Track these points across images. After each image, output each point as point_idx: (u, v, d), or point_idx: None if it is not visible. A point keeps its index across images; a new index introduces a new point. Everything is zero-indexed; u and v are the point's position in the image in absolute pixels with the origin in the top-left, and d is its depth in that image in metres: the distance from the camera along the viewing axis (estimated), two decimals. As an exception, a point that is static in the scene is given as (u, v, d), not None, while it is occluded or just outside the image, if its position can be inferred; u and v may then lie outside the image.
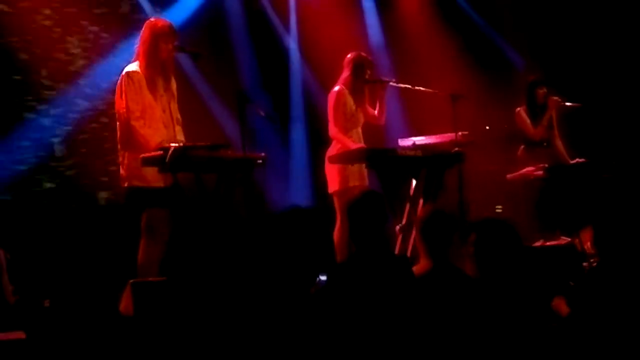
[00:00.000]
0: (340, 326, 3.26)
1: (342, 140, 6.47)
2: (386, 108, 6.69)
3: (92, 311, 5.33)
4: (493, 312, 3.67)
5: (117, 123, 5.53)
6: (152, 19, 5.65)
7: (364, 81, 6.57)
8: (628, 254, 4.00)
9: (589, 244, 6.32)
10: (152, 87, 5.49)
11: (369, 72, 6.59)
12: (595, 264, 5.13)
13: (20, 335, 4.53)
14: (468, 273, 3.96)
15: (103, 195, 7.41)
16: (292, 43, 8.60)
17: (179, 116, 5.66)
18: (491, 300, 3.71)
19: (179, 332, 4.49)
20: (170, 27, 5.55)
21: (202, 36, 7.50)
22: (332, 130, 6.53)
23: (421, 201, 6.28)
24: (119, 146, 5.55)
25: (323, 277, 3.98)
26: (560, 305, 4.06)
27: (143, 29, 5.57)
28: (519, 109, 7.41)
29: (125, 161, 5.46)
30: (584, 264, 5.98)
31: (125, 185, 5.48)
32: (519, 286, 3.69)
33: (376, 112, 6.69)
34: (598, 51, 8.64)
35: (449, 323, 3.72)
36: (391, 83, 6.63)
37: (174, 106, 5.63)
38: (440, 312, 3.83)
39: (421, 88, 6.70)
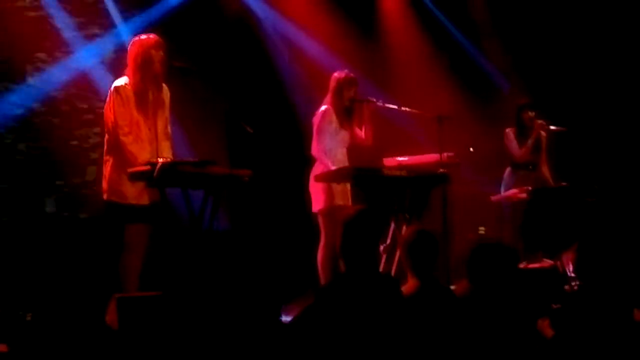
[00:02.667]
0: (333, 347, 3.28)
1: (323, 160, 6.49)
2: (372, 128, 6.72)
3: (75, 324, 5.32)
4: (482, 331, 3.69)
5: (106, 136, 5.55)
6: (137, 37, 5.64)
7: (349, 101, 6.60)
8: (609, 278, 4.04)
9: (570, 266, 6.38)
10: (140, 103, 5.50)
11: (354, 91, 6.62)
12: (576, 287, 5.17)
13: (2, 348, 4.52)
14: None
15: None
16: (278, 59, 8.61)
17: (168, 130, 5.68)
18: (480, 320, 3.73)
19: (163, 347, 4.49)
20: (159, 39, 5.57)
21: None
22: (315, 149, 6.56)
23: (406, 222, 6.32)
24: (105, 157, 5.56)
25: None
26: (545, 327, 4.10)
27: (130, 47, 5.59)
28: (507, 130, 7.49)
29: (108, 174, 5.49)
30: (566, 286, 6.02)
31: (105, 198, 5.51)
32: (508, 307, 3.72)
33: (363, 132, 6.71)
34: (582, 76, 8.72)
35: (438, 342, 3.74)
36: (378, 103, 6.64)
37: (163, 121, 5.63)
38: (429, 332, 3.85)
39: (408, 109, 6.73)
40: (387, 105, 6.69)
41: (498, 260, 3.79)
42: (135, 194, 5.40)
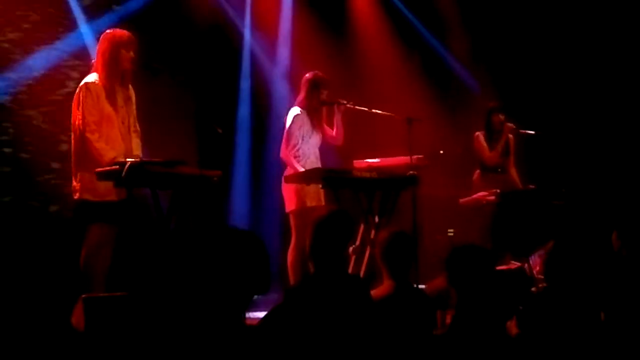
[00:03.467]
0: (300, 347, 3.27)
1: (290, 162, 6.49)
2: (343, 129, 6.72)
3: (40, 324, 5.26)
4: (459, 331, 3.71)
5: (72, 135, 5.48)
6: (109, 31, 5.58)
7: (320, 102, 6.60)
8: (575, 280, 4.08)
9: (537, 268, 6.43)
10: (111, 99, 5.46)
11: (325, 92, 6.61)
12: (542, 289, 5.22)
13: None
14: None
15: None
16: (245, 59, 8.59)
17: (138, 128, 5.64)
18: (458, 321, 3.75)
19: (130, 348, 4.46)
20: (130, 36, 5.52)
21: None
22: (283, 151, 6.55)
23: (375, 223, 6.33)
24: (72, 158, 5.49)
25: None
26: (511, 327, 4.13)
27: (100, 40, 5.53)
28: (477, 133, 7.54)
29: (79, 174, 5.42)
30: (533, 288, 6.07)
31: (77, 197, 5.44)
32: (484, 308, 3.74)
33: (334, 132, 6.72)
34: (550, 79, 8.79)
35: (413, 344, 3.76)
36: (348, 105, 6.63)
37: (133, 118, 5.60)
38: (404, 333, 3.86)
39: (377, 111, 6.73)
40: (357, 107, 6.68)
41: (478, 262, 3.81)
42: (109, 189, 5.31)
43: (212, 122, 5.89)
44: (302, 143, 6.56)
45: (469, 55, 9.02)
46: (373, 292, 4.18)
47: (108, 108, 5.43)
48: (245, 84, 8.50)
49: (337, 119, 6.68)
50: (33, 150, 7.05)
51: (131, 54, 5.48)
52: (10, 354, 4.73)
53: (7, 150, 7.00)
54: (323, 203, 6.47)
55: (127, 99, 5.58)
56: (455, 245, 4.06)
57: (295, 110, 6.60)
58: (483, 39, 8.97)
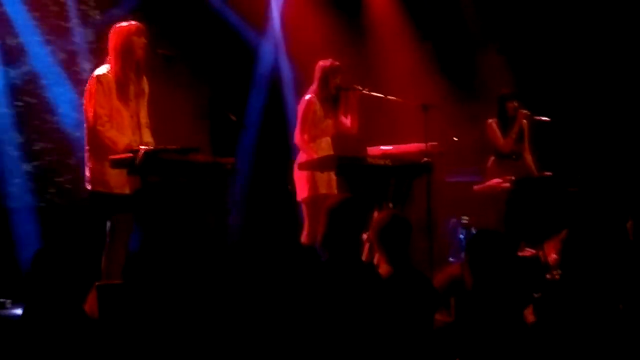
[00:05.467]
0: (314, 335, 3.27)
1: (306, 149, 6.49)
2: (358, 117, 6.70)
3: (57, 313, 5.28)
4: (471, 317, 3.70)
5: (85, 125, 5.50)
6: (118, 25, 5.56)
7: (336, 88, 6.58)
8: (591, 267, 4.06)
9: (552, 256, 6.40)
10: (122, 92, 5.45)
11: (339, 78, 6.59)
12: (558, 277, 5.19)
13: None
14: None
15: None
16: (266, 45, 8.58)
17: (147, 120, 5.64)
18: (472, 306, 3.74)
19: (144, 336, 4.47)
20: (140, 26, 5.51)
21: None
22: (297, 138, 6.55)
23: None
24: (86, 147, 5.51)
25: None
26: (527, 314, 4.11)
27: (111, 35, 5.52)
28: (490, 120, 7.50)
29: (90, 165, 5.44)
30: (547, 275, 6.05)
31: (89, 188, 5.46)
32: (502, 294, 3.73)
33: (348, 121, 6.70)
34: (567, 66, 8.74)
35: (411, 327, 3.74)
36: (364, 91, 6.60)
37: (144, 110, 5.60)
38: (402, 317, 3.84)
39: (393, 97, 6.71)
40: (373, 93, 6.65)
41: (500, 247, 3.79)
42: (119, 183, 5.35)
43: (226, 110, 5.88)
44: (315, 130, 6.55)
45: (484, 43, 8.98)
46: None
47: (117, 102, 5.43)
48: (260, 71, 8.50)
49: (352, 105, 6.66)
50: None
51: (143, 40, 5.47)
52: (28, 342, 4.76)
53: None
54: (335, 191, 6.45)
55: (140, 92, 5.56)
56: (478, 229, 4.03)
57: (308, 97, 6.59)
58: (497, 25, 8.92)
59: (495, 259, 3.74)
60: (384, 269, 4.24)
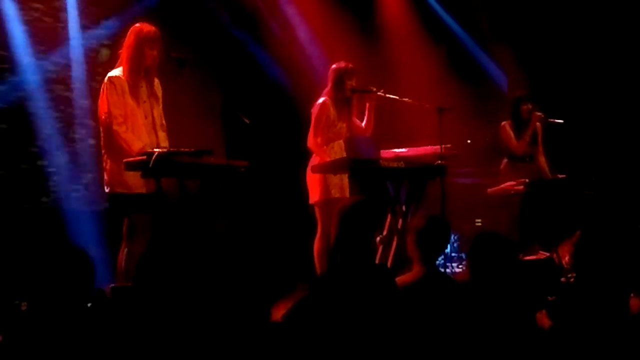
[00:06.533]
0: (327, 339, 3.26)
1: (319, 152, 6.48)
2: (373, 120, 6.67)
3: (69, 314, 5.29)
4: (484, 319, 3.69)
5: (101, 128, 5.53)
6: (137, 25, 5.59)
7: (350, 90, 6.56)
8: (605, 270, 4.04)
9: (567, 259, 6.38)
10: (134, 93, 5.48)
11: (354, 80, 6.57)
12: (572, 280, 5.17)
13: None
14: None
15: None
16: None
17: (163, 122, 5.66)
18: (482, 308, 3.73)
19: (156, 338, 4.48)
20: (156, 32, 5.53)
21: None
22: (311, 141, 6.54)
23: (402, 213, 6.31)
24: (102, 151, 5.55)
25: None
26: (542, 319, 4.09)
27: (128, 34, 5.55)
28: (504, 123, 7.48)
29: (108, 167, 5.48)
30: (562, 279, 6.03)
31: (108, 190, 5.49)
32: (508, 298, 3.72)
33: (364, 122, 6.68)
34: (582, 68, 8.72)
35: (443, 329, 3.73)
36: (379, 93, 6.57)
37: (158, 112, 5.62)
38: (433, 319, 3.83)
39: (408, 100, 6.69)
40: (388, 95, 6.62)
41: (500, 251, 3.78)
42: (138, 183, 5.37)
43: (239, 112, 5.88)
44: (328, 133, 6.55)
45: (496, 45, 8.96)
46: (401, 278, 4.16)
47: (131, 102, 5.46)
48: (272, 73, 8.51)
49: (369, 108, 6.63)
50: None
51: (155, 52, 5.49)
52: (41, 342, 4.77)
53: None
54: (348, 194, 6.44)
55: (152, 94, 5.59)
56: (478, 233, 4.03)
57: (322, 100, 6.58)
58: (510, 27, 8.91)
59: (495, 263, 3.74)
60: (415, 270, 4.22)
